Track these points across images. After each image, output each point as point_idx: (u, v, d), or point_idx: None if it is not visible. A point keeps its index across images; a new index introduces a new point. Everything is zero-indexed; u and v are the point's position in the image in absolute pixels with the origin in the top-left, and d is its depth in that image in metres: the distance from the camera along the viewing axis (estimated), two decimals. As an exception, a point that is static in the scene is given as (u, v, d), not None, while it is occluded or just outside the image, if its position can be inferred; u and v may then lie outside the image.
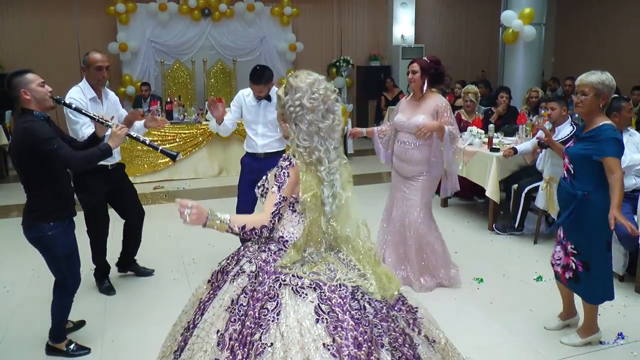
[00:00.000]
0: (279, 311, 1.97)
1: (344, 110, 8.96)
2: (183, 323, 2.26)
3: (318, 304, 1.98)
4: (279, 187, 2.09)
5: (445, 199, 6.41)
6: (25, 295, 4.19)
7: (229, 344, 1.95)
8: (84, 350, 3.34)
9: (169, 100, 8.79)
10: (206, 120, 7.95)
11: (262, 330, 1.93)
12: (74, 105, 3.32)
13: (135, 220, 4.33)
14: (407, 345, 2.09)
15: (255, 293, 2.03)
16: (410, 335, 2.14)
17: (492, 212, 5.58)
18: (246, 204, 4.29)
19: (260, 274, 2.09)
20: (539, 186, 5.04)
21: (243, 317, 1.99)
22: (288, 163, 2.11)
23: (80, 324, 3.64)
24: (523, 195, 5.24)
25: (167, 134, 7.94)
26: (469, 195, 6.60)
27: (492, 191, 5.38)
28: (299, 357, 1.87)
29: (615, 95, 5.23)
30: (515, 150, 5.26)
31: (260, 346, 1.90)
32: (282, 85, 2.19)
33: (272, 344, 1.90)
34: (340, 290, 2.05)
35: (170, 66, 10.10)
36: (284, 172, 2.10)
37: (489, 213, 5.63)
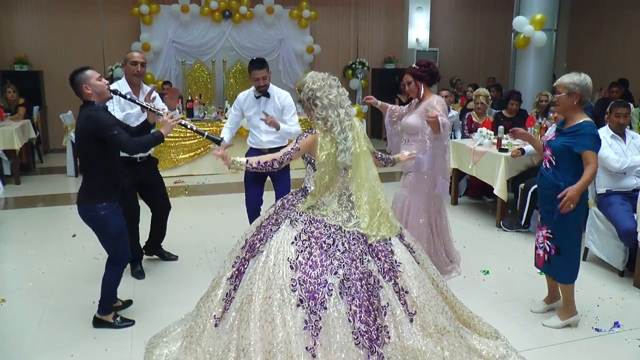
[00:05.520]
0: (276, 231, 2.85)
1: (359, 111, 9.20)
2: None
3: (299, 233, 2.80)
4: (297, 140, 2.92)
5: (455, 197, 6.64)
6: (59, 276, 4.48)
7: (247, 247, 2.96)
8: (128, 322, 3.64)
9: (190, 98, 9.10)
10: (225, 118, 8.22)
11: (263, 243, 2.87)
12: (129, 96, 3.66)
13: (160, 213, 4.63)
14: (365, 282, 2.71)
15: (272, 220, 2.95)
16: (377, 278, 2.75)
17: (500, 209, 5.79)
18: (253, 196, 4.62)
19: (282, 209, 2.98)
20: (545, 185, 5.24)
21: (260, 232, 2.94)
22: (309, 130, 2.94)
23: (128, 303, 3.90)
24: (529, 193, 5.45)
25: (188, 130, 8.19)
26: (478, 194, 6.83)
27: (500, 190, 5.60)
28: (270, 262, 2.72)
29: (620, 100, 5.46)
30: (523, 151, 5.48)
31: (257, 252, 2.86)
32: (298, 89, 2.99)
33: (262, 251, 2.82)
34: (325, 227, 2.83)
35: (191, 66, 10.40)
36: (304, 135, 2.91)
37: (497, 211, 5.85)
